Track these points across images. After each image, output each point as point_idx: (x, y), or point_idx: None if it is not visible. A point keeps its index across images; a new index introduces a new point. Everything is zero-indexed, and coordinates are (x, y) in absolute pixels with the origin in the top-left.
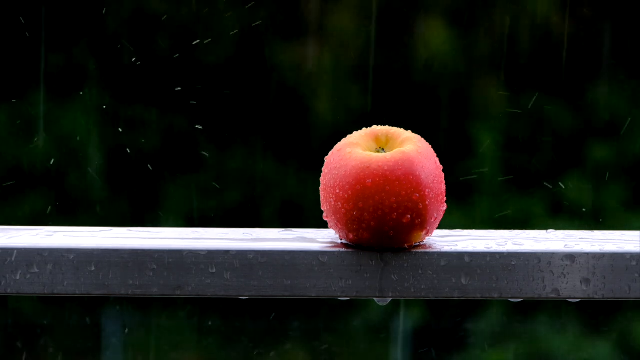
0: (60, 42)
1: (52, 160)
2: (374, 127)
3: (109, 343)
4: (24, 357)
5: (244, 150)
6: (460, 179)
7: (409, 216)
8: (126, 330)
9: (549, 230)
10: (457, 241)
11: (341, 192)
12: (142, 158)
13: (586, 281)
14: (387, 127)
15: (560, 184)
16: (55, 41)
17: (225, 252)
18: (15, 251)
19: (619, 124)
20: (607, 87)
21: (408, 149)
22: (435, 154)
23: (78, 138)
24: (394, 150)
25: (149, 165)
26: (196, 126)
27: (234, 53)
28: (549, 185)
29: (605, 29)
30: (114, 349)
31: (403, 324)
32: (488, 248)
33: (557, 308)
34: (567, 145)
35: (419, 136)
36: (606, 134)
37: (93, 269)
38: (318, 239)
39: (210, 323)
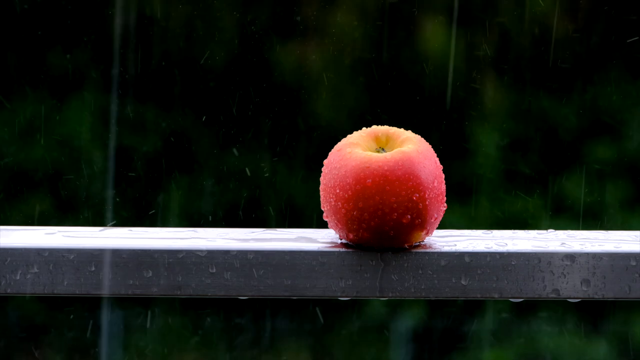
0: (60, 43)
1: (53, 161)
2: (374, 127)
3: (109, 343)
4: (24, 357)
5: (243, 151)
6: (460, 179)
7: (409, 216)
8: (126, 330)
9: (549, 230)
10: (457, 241)
11: (341, 192)
12: (142, 158)
13: (586, 281)
14: (387, 127)
15: (560, 183)
16: (56, 41)
17: (225, 252)
18: (16, 251)
19: (619, 124)
20: (607, 86)
21: (408, 149)
22: (435, 154)
23: (78, 138)
24: (394, 150)
25: (149, 165)
26: (196, 127)
27: (233, 53)
28: (549, 185)
29: (606, 28)
30: (114, 349)
31: (403, 324)
32: (488, 248)
33: (557, 308)
34: (567, 145)
35: (419, 136)
36: (606, 133)
37: (93, 269)
38: (318, 239)
39: (210, 323)
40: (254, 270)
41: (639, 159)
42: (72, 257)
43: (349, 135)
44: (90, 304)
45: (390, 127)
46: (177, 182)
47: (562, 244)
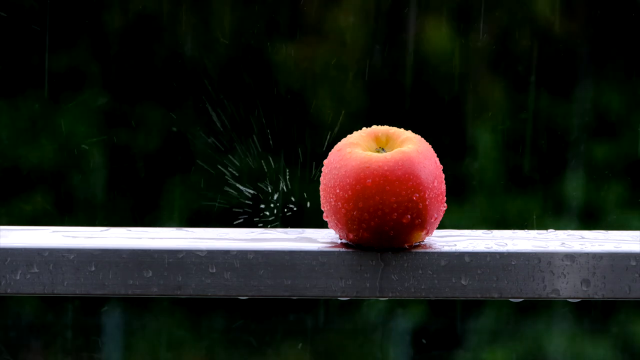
0: (61, 42)
1: (53, 160)
2: (374, 127)
3: (109, 343)
4: (24, 357)
5: (244, 150)
6: (460, 179)
7: (409, 216)
8: (126, 331)
9: (549, 230)
10: (457, 241)
11: (341, 192)
12: (142, 158)
13: (586, 281)
14: (387, 127)
15: (560, 183)
16: (57, 41)
17: (225, 252)
18: (15, 251)
19: (619, 124)
20: (607, 86)
21: (408, 149)
22: (435, 154)
23: (78, 138)
24: (394, 150)
25: (149, 165)
26: (196, 126)
27: (234, 53)
28: (549, 185)
29: (606, 28)
30: (114, 349)
31: (403, 324)
32: (488, 248)
33: (557, 308)
34: (567, 145)
35: (419, 136)
36: (606, 134)
37: (93, 269)
38: (318, 239)
39: (210, 323)
40: (254, 270)
41: (638, 159)
42: (72, 257)
43: (349, 135)
44: (90, 304)
45: (390, 127)
46: (177, 182)
47: (562, 244)
